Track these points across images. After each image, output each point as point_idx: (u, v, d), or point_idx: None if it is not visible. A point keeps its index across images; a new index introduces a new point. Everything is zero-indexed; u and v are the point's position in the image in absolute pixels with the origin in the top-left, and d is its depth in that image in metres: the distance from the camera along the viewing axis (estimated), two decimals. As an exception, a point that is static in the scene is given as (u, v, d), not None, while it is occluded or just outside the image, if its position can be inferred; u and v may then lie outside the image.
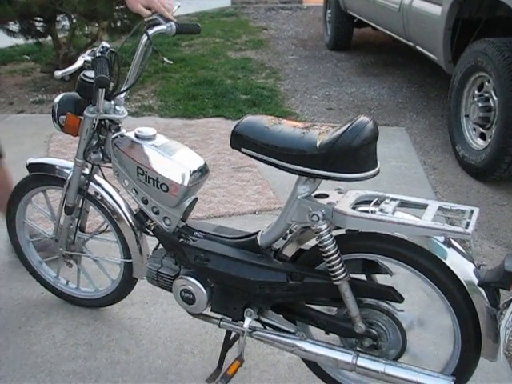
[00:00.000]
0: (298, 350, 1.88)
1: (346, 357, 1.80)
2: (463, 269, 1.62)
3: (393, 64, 6.33)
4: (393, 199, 1.72)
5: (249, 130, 1.74)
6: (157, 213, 2.02)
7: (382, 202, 1.70)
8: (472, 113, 3.78)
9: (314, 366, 2.02)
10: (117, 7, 5.48)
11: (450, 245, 1.64)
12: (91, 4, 5.17)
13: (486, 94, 3.64)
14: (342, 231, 1.74)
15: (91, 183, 2.21)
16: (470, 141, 3.82)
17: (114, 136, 2.06)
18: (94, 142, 2.11)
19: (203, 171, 1.99)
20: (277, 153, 1.68)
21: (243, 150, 1.76)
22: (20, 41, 6.07)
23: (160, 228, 2.05)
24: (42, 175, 2.32)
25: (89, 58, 1.91)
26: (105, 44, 1.95)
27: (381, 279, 1.86)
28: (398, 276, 1.83)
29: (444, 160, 4.02)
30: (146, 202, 2.02)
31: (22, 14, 5.36)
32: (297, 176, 1.74)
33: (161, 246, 2.13)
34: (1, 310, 2.53)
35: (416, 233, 1.62)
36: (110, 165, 2.12)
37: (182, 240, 2.00)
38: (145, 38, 1.96)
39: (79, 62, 1.91)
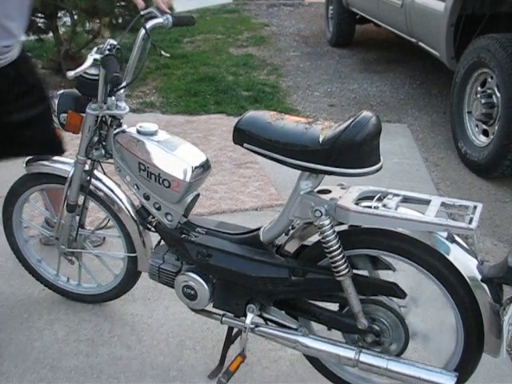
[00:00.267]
0: (300, 346, 1.87)
1: (348, 353, 1.80)
2: (466, 264, 1.62)
3: (395, 60, 6.31)
4: (396, 195, 1.71)
5: (251, 125, 1.74)
6: (158, 209, 2.02)
7: (384, 197, 1.70)
8: (475, 109, 3.77)
9: (316, 362, 2.02)
10: (118, 3, 5.47)
11: (453, 240, 1.63)
12: (92, 0, 5.15)
13: (489, 91, 3.63)
14: (345, 227, 1.74)
15: (92, 179, 2.21)
16: (472, 137, 3.81)
17: (115, 132, 2.05)
18: (96, 139, 2.10)
19: (205, 167, 1.99)
20: (279, 148, 1.67)
21: (245, 145, 1.75)
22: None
23: (162, 224, 2.05)
24: (39, 174, 2.31)
25: (97, 57, 1.90)
26: (112, 41, 1.94)
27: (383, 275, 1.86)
28: (401, 272, 1.82)
29: (446, 157, 4.01)
30: (147, 197, 2.02)
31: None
32: (299, 171, 1.73)
33: (163, 242, 2.12)
34: (2, 306, 2.53)
35: (419, 228, 1.61)
36: (111, 161, 2.11)
37: (183, 236, 1.99)
38: (142, 31, 1.95)
39: (89, 61, 1.89)
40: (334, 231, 1.68)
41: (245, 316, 1.92)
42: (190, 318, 2.39)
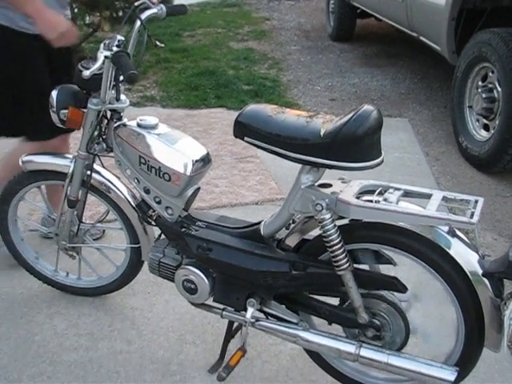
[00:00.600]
0: (300, 341, 1.87)
1: (348, 347, 1.79)
2: (467, 259, 1.62)
3: (396, 55, 6.30)
4: (397, 189, 1.71)
5: (252, 118, 1.73)
6: (159, 202, 2.01)
7: (385, 191, 1.69)
8: (475, 104, 3.76)
9: (316, 356, 2.01)
10: (118, -3, 5.46)
11: (454, 235, 1.63)
12: (93, -7, 5.15)
13: (490, 85, 3.62)
14: (346, 221, 1.73)
15: (93, 173, 2.20)
16: (473, 132, 3.80)
17: (116, 125, 2.04)
18: (96, 133, 2.10)
19: (206, 160, 1.98)
20: (280, 141, 1.67)
21: (246, 138, 1.75)
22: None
23: (162, 218, 2.04)
24: (37, 171, 2.29)
25: (108, 54, 1.88)
26: (120, 37, 1.92)
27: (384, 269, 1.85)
28: (402, 266, 1.82)
29: (447, 151, 4.00)
30: (148, 191, 2.01)
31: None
32: (300, 165, 1.73)
33: (163, 236, 2.12)
34: (2, 300, 2.52)
35: (420, 222, 1.60)
36: (111, 154, 2.10)
37: (184, 230, 1.99)
38: (138, 23, 1.95)
39: (101, 59, 1.88)
40: (335, 225, 1.67)
41: (245, 310, 1.92)
42: (190, 312, 2.39)
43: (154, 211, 2.08)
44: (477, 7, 3.94)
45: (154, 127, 1.99)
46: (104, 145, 2.12)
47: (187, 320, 2.38)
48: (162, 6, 2.01)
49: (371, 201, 1.64)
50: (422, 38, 4.66)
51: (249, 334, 2.02)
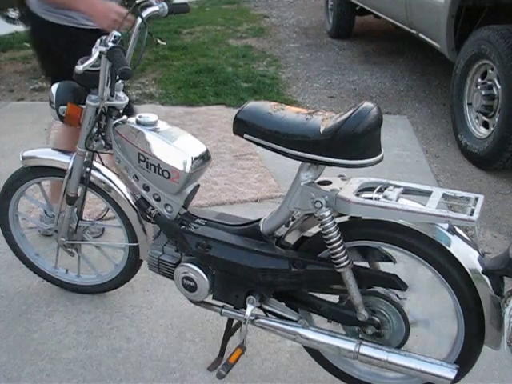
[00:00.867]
0: (300, 338, 1.87)
1: (348, 345, 1.79)
2: (467, 256, 1.61)
3: (395, 52, 6.29)
4: (396, 186, 1.70)
5: (252, 115, 1.73)
6: (158, 200, 2.01)
7: (385, 188, 1.69)
8: (475, 101, 3.75)
9: (316, 353, 2.01)
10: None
11: (454, 232, 1.63)
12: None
13: (490, 82, 3.62)
14: (345, 218, 1.73)
15: (92, 170, 2.19)
16: (472, 129, 3.80)
17: (115, 122, 2.04)
18: (95, 130, 2.09)
19: (205, 158, 1.97)
20: (280, 139, 1.66)
21: (246, 135, 1.74)
22: (20, 28, 6.03)
23: (161, 215, 2.04)
24: (36, 167, 2.28)
25: (103, 49, 1.88)
26: (116, 33, 1.91)
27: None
28: (402, 264, 1.82)
29: (446, 148, 4.00)
30: (147, 188, 2.01)
31: (21, 1, 5.31)
32: (299, 163, 1.72)
33: (162, 234, 2.11)
34: (1, 297, 2.52)
35: (420, 220, 1.60)
36: (110, 151, 2.10)
37: (183, 227, 1.98)
38: (139, 20, 1.94)
39: (96, 54, 1.88)
40: (335, 222, 1.67)
41: (244, 308, 1.91)
42: (189, 309, 2.39)
43: (153, 209, 2.07)
44: (476, 4, 3.93)
45: (153, 124, 1.99)
46: (103, 142, 2.11)
47: (186, 317, 2.38)
48: (163, 4, 2.01)
49: (371, 198, 1.64)
50: (421, 35, 4.66)
51: (248, 332, 2.01)
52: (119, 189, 2.20)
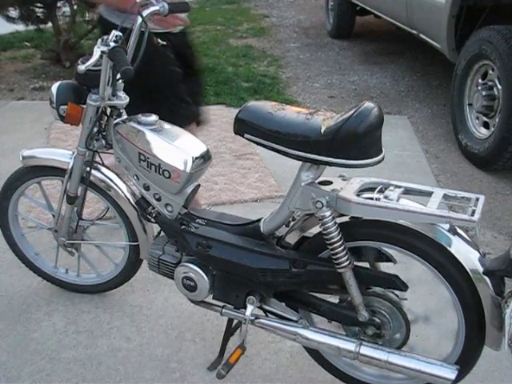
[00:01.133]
0: (300, 338, 1.86)
1: (348, 345, 1.79)
2: (468, 257, 1.61)
3: (395, 52, 6.29)
4: (397, 186, 1.70)
5: (252, 115, 1.72)
6: (158, 199, 2.00)
7: (386, 189, 1.68)
8: (475, 101, 3.75)
9: (316, 354, 2.01)
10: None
11: (455, 232, 1.62)
12: (92, -10, 5.13)
13: (490, 83, 3.61)
14: (346, 218, 1.72)
15: (92, 170, 2.19)
16: (473, 130, 3.79)
17: (115, 122, 2.03)
18: (95, 130, 2.09)
19: (206, 157, 1.97)
20: (280, 138, 1.66)
21: (246, 135, 1.74)
22: (20, 27, 6.02)
23: (162, 215, 2.03)
24: (36, 166, 2.28)
25: (105, 49, 1.87)
26: (117, 32, 1.91)
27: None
28: (401, 264, 1.82)
29: (447, 149, 4.00)
30: (147, 188, 2.01)
31: (21, 0, 5.32)
32: (300, 163, 1.72)
33: (162, 233, 2.11)
34: (1, 297, 2.52)
35: (421, 220, 1.60)
36: (111, 151, 2.10)
37: (183, 227, 1.98)
38: (139, 19, 1.94)
39: (97, 54, 1.87)
40: (335, 223, 1.66)
41: (245, 308, 1.91)
42: (189, 309, 2.39)
43: (154, 208, 2.07)
44: (477, 4, 3.93)
45: (153, 124, 1.98)
46: (103, 141, 2.11)
47: (186, 317, 2.38)
48: (163, 3, 2.00)
49: (372, 198, 1.63)
50: (421, 36, 4.66)
51: (248, 332, 2.01)
52: (119, 188, 2.20)
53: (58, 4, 5.64)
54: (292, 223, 1.85)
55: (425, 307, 2.04)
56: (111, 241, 2.58)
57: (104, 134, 2.10)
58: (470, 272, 1.60)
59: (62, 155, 2.24)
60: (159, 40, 2.10)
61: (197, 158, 1.92)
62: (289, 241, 1.85)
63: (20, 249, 2.50)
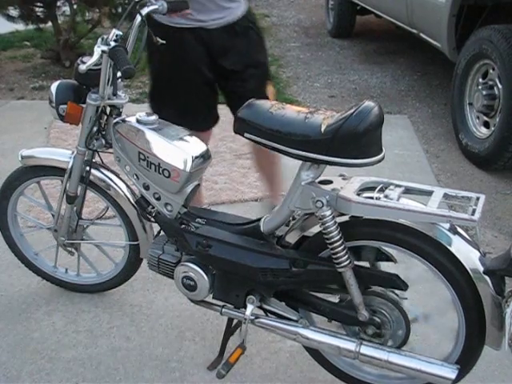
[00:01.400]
0: (300, 338, 1.86)
1: (349, 345, 1.78)
2: (468, 256, 1.61)
3: (396, 52, 6.28)
4: (398, 186, 1.70)
5: (252, 114, 1.72)
6: (158, 199, 2.00)
7: (386, 188, 1.68)
8: (476, 101, 3.74)
9: (316, 353, 2.01)
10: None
11: (455, 232, 1.62)
12: (92, -11, 5.14)
13: (491, 82, 3.60)
14: (346, 218, 1.72)
15: (92, 169, 2.19)
16: (473, 129, 3.79)
17: (115, 121, 2.03)
18: (95, 129, 2.09)
19: (205, 157, 1.97)
20: (280, 138, 1.66)
21: (246, 134, 1.73)
22: (20, 26, 6.01)
23: (161, 214, 2.03)
24: (35, 166, 2.28)
25: (105, 48, 1.87)
26: (117, 31, 1.90)
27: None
28: (401, 264, 1.81)
29: (447, 148, 3.99)
30: (147, 187, 2.00)
31: (22, 0, 5.32)
32: (300, 162, 1.72)
33: (162, 233, 2.11)
34: (1, 296, 2.52)
35: (421, 219, 1.59)
36: (110, 150, 2.09)
37: (183, 226, 1.98)
38: (138, 18, 1.93)
39: (97, 53, 1.87)
40: (336, 222, 1.66)
41: (245, 307, 1.91)
42: (189, 309, 2.38)
43: (154, 207, 2.07)
44: (477, 3, 3.92)
45: (153, 123, 1.98)
46: (103, 141, 2.11)
47: (186, 317, 2.38)
48: (162, 1, 2.00)
49: (372, 197, 1.63)
50: (422, 35, 4.65)
51: (248, 332, 2.01)
52: (119, 187, 2.20)
53: (58, 3, 5.64)
54: (292, 222, 1.85)
55: (425, 307, 2.03)
56: (111, 240, 2.58)
57: (104, 133, 2.09)
58: (470, 271, 1.60)
59: (61, 155, 2.23)
60: (158, 39, 2.09)
61: (196, 158, 1.91)
62: (289, 240, 1.84)
63: (19, 249, 2.49)
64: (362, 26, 7.12)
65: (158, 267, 2.07)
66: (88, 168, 2.18)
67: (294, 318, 1.89)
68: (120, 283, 2.44)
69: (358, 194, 1.65)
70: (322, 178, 1.74)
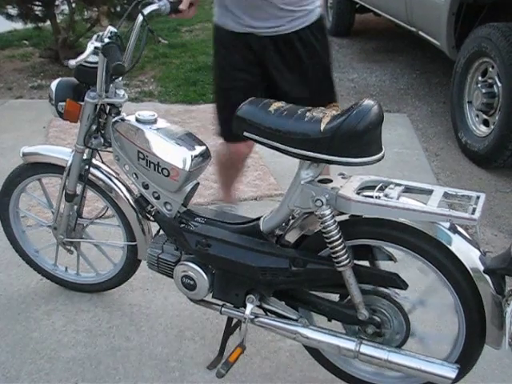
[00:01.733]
0: (300, 337, 1.86)
1: (348, 344, 1.78)
2: (469, 255, 1.60)
3: (395, 50, 6.27)
4: (397, 184, 1.69)
5: (251, 113, 1.71)
6: (157, 198, 2.00)
7: (386, 187, 1.67)
8: (475, 99, 3.74)
9: (316, 353, 2.00)
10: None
11: (455, 231, 1.62)
12: (90, -12, 5.13)
13: (490, 80, 3.60)
14: (346, 217, 1.72)
15: (91, 168, 2.19)
16: (472, 127, 3.78)
17: (114, 120, 2.03)
18: (94, 127, 2.08)
19: (205, 156, 1.97)
20: (280, 136, 1.65)
21: (245, 133, 1.73)
22: (19, 25, 6.01)
23: (161, 213, 2.03)
24: (37, 163, 2.28)
25: (98, 45, 1.87)
26: (112, 29, 1.90)
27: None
28: (401, 262, 1.81)
29: (446, 147, 3.99)
30: (146, 186, 2.00)
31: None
32: (299, 160, 1.71)
33: (162, 232, 2.10)
34: (0, 296, 2.51)
35: (421, 218, 1.59)
36: (109, 149, 2.09)
37: (183, 225, 1.97)
38: (140, 18, 1.93)
39: (90, 49, 1.87)
40: (335, 221, 1.66)
41: (244, 306, 1.90)
42: (189, 308, 2.38)
43: (153, 207, 2.07)
44: (477, 2, 3.92)
45: (152, 122, 1.98)
46: (102, 139, 2.10)
47: (186, 316, 2.37)
48: (166, 2, 1.99)
49: (372, 196, 1.62)
50: (421, 33, 4.64)
51: (248, 331, 2.00)
52: (118, 187, 2.19)
53: (57, 2, 5.63)
54: (292, 221, 1.85)
55: (425, 306, 2.03)
56: (110, 240, 2.57)
57: (103, 132, 2.09)
58: (470, 271, 1.60)
59: (61, 152, 2.24)
60: (160, 38, 2.08)
61: (196, 156, 1.91)
62: (288, 239, 1.84)
63: (21, 245, 2.50)
64: (360, 24, 7.11)
65: (157, 266, 2.06)
66: (87, 167, 2.17)
67: (294, 317, 1.89)
68: (119, 283, 2.44)
69: (358, 193, 1.65)
70: (321, 176, 1.73)
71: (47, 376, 2.11)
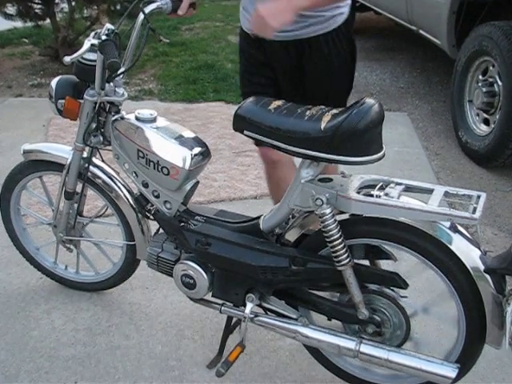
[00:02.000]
0: (300, 336, 1.85)
1: (348, 343, 1.78)
2: (469, 255, 1.60)
3: (395, 49, 6.27)
4: (398, 184, 1.69)
5: (252, 111, 1.71)
6: (157, 196, 1.99)
7: (386, 186, 1.67)
8: (476, 98, 3.74)
9: (315, 352, 2.00)
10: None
11: (455, 230, 1.61)
12: (90, -14, 5.12)
13: (491, 79, 3.60)
14: (346, 216, 1.71)
15: (90, 167, 2.18)
16: (473, 126, 3.78)
17: (113, 118, 2.02)
18: (94, 125, 2.08)
19: (204, 154, 1.96)
20: (280, 135, 1.65)
21: (246, 132, 1.72)
22: (18, 24, 6.02)
23: (160, 212, 2.02)
24: (37, 161, 2.28)
25: (95, 42, 1.87)
26: (110, 26, 1.90)
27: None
28: (402, 262, 1.81)
29: (447, 146, 3.99)
30: (146, 185, 2.00)
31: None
32: (300, 159, 1.71)
33: (161, 231, 2.10)
34: (0, 294, 2.51)
35: (422, 218, 1.58)
36: (109, 148, 2.09)
37: (182, 224, 1.97)
38: (141, 16, 1.92)
39: (86, 46, 1.87)
40: (335, 220, 1.65)
41: (244, 305, 1.90)
42: (188, 307, 2.38)
43: (153, 205, 2.06)
44: (477, 0, 3.91)
45: (152, 120, 1.97)
46: (101, 137, 2.10)
47: (186, 315, 2.37)
48: (167, 0, 1.99)
49: (372, 195, 1.62)
50: (421, 32, 4.64)
51: (248, 330, 2.00)
52: (118, 186, 2.19)
53: (56, 0, 5.63)
54: (292, 220, 1.84)
55: (425, 306, 2.03)
56: (109, 239, 2.57)
57: (102, 130, 2.08)
58: (470, 270, 1.59)
59: (61, 150, 2.24)
60: (161, 37, 2.08)
61: (196, 155, 1.91)
62: (288, 238, 1.83)
63: (21, 243, 2.50)
64: (361, 22, 7.11)
65: (157, 265, 2.06)
66: (87, 165, 2.17)
67: (294, 316, 1.88)
68: (118, 283, 2.44)
69: (358, 192, 1.64)
70: (321, 175, 1.73)
71: (47, 375, 2.10)
